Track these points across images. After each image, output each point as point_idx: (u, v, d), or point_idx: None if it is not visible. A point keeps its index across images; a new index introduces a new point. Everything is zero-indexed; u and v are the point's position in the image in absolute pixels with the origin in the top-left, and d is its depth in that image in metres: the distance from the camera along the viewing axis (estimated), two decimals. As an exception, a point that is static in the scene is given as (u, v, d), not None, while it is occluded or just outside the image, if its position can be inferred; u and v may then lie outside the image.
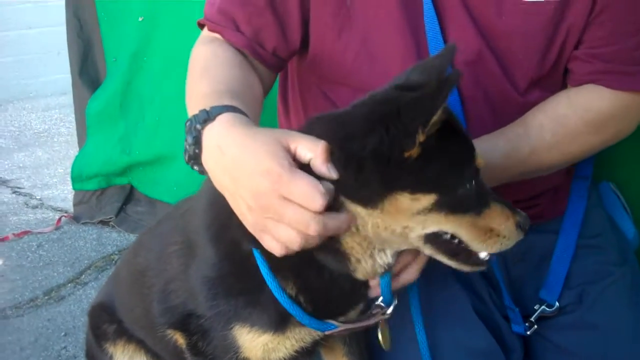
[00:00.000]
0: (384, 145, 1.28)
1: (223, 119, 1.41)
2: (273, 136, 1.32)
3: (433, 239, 1.39)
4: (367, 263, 1.44)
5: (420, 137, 1.26)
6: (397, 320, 1.80)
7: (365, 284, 1.54)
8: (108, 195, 3.77)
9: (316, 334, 1.60)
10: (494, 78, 1.83)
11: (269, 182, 1.26)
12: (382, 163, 1.28)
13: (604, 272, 2.03)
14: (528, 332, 2.02)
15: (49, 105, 6.59)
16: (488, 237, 1.41)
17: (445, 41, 1.80)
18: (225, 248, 1.51)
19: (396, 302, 1.58)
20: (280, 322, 1.54)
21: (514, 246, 1.98)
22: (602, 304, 2.00)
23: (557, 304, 2.02)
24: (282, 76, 2.16)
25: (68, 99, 6.60)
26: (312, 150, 1.29)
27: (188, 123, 1.48)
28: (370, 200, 1.32)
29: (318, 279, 1.47)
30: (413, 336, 1.79)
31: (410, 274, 1.59)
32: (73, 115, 5.73)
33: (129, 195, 3.74)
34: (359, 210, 1.33)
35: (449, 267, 1.98)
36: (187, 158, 1.46)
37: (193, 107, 1.57)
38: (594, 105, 1.84)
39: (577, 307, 2.02)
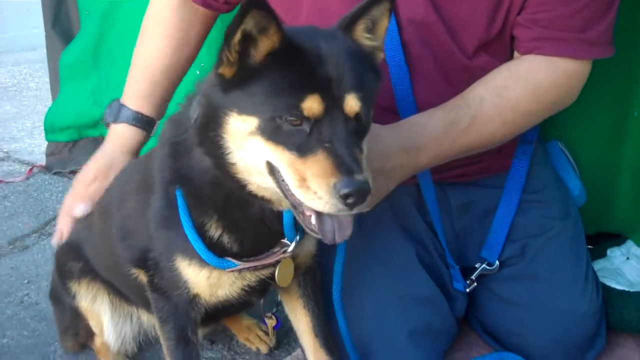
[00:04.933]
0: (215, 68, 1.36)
1: (119, 130, 2.21)
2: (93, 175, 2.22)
3: (272, 171, 1.37)
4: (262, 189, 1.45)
5: (229, 56, 1.31)
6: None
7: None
8: (80, 147, 3.74)
9: (260, 273, 1.67)
10: (442, 40, 1.88)
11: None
12: (215, 85, 1.37)
13: (546, 226, 2.11)
14: (467, 290, 2.11)
15: (18, 60, 6.53)
16: (304, 185, 1.30)
17: None
18: (167, 188, 1.59)
19: (298, 238, 1.61)
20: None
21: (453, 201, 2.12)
22: (543, 256, 2.09)
23: (497, 262, 2.10)
24: None
25: (37, 55, 6.57)
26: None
27: (108, 109, 2.23)
28: (217, 123, 1.38)
29: (242, 218, 1.55)
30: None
31: None
32: (42, 71, 5.74)
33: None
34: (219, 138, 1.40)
35: (393, 216, 2.06)
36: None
37: (129, 76, 2.26)
38: (533, 75, 1.87)
39: (520, 260, 2.11)
